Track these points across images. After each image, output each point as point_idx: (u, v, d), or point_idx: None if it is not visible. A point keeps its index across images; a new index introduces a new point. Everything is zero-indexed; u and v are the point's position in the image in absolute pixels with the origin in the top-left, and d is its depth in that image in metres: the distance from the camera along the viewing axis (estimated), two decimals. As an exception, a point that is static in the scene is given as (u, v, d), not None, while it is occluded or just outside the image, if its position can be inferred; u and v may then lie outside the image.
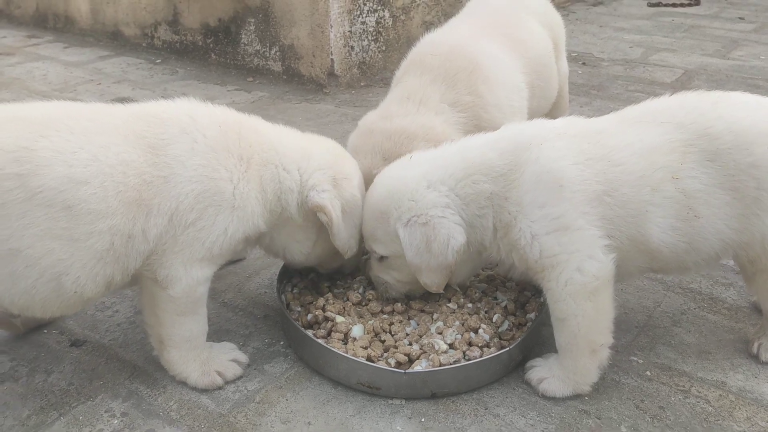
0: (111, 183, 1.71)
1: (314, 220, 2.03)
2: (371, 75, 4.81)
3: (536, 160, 1.86)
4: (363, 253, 2.27)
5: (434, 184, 1.95)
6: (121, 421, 1.85)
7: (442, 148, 2.08)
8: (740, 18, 6.62)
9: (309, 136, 2.18)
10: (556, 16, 3.30)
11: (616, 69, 5.02)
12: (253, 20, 4.81)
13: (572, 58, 5.00)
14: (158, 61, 5.41)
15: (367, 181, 2.17)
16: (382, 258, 2.09)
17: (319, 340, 1.98)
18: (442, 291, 2.04)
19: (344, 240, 2.05)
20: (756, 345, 2.04)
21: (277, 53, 4.77)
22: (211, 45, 5.11)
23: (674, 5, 7.22)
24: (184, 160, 1.80)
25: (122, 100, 4.36)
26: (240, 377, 2.00)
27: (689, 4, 7.22)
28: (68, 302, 1.77)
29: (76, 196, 1.67)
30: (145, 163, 1.77)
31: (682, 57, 5.30)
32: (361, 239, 2.13)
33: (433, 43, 2.73)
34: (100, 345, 2.16)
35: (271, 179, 1.95)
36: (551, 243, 1.82)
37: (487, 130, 2.11)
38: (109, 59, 5.53)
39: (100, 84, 4.89)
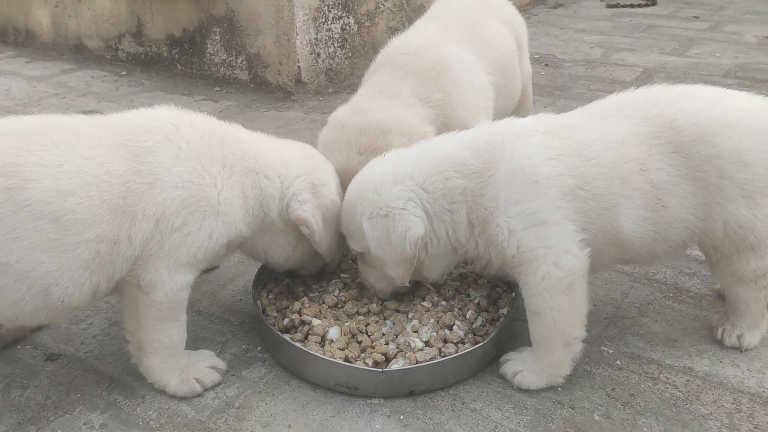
0: (96, 192, 1.73)
1: (295, 225, 2.06)
2: (338, 81, 4.84)
3: (510, 157, 1.91)
4: (344, 251, 2.30)
5: (400, 179, 1.99)
6: (100, 432, 1.85)
7: (414, 146, 2.12)
8: (695, 17, 6.80)
9: (285, 142, 2.22)
10: (518, 17, 3.37)
11: (578, 69, 5.13)
12: (218, 30, 4.82)
13: (535, 60, 5.09)
14: (123, 73, 5.37)
15: (344, 177, 2.19)
16: (359, 256, 2.12)
17: (297, 344, 2.00)
18: (407, 284, 2.06)
19: (326, 246, 2.13)
20: (720, 331, 2.12)
21: (244, 62, 4.78)
22: (177, 56, 5.10)
23: (632, 6, 7.39)
24: (169, 167, 1.83)
25: (88, 113, 4.31)
26: (219, 384, 2.01)
27: (646, 5, 7.40)
28: (55, 312, 1.80)
29: (63, 208, 1.69)
30: (128, 171, 1.79)
31: (641, 56, 5.43)
32: (343, 239, 2.17)
33: (400, 45, 2.77)
34: (76, 358, 2.16)
35: (252, 186, 1.99)
36: (529, 238, 1.86)
37: (456, 128, 2.15)
38: (73, 72, 5.48)
39: (64, 98, 4.84)
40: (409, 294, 2.22)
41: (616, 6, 7.40)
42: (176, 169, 1.85)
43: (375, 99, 2.53)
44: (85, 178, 1.73)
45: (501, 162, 1.92)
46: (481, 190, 1.93)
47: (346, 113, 2.52)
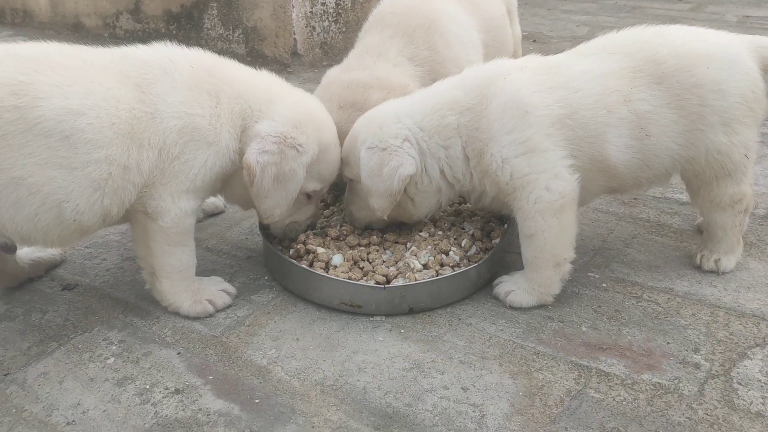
0: (105, 115, 1.83)
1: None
2: (332, 56, 4.96)
3: (502, 90, 2.04)
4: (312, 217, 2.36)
5: (401, 117, 2.12)
6: (119, 346, 1.97)
7: (419, 91, 2.26)
8: (679, -1, 6.99)
9: (291, 88, 2.21)
10: None
11: (565, 45, 5.28)
12: (215, 4, 4.93)
13: (523, 37, 5.22)
14: (120, 50, 5.46)
15: None
16: (348, 183, 2.26)
17: (302, 265, 2.12)
18: (385, 218, 2.17)
19: (267, 206, 2.06)
20: (699, 257, 2.26)
21: (241, 36, 4.90)
22: (174, 31, 5.21)
23: (618, -10, 7.55)
24: (166, 98, 1.93)
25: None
26: (229, 306, 2.13)
27: (632, -11, 7.56)
28: (68, 231, 1.89)
29: (73, 126, 1.79)
30: (133, 99, 1.89)
31: (626, 33, 5.58)
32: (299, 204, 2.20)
33: (392, 3, 2.90)
34: (92, 287, 2.27)
35: (240, 114, 2.02)
36: (521, 164, 2.00)
37: None
38: (71, 50, 5.56)
39: (64, 72, 4.92)
40: (407, 227, 2.35)
41: (602, -10, 7.56)
42: (171, 100, 1.93)
43: (362, 59, 2.67)
44: (95, 100, 1.83)
45: (494, 96, 2.05)
46: (475, 123, 2.06)
47: (335, 72, 2.67)
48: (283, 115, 2.04)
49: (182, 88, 1.97)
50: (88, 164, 1.82)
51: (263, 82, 2.14)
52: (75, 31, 5.97)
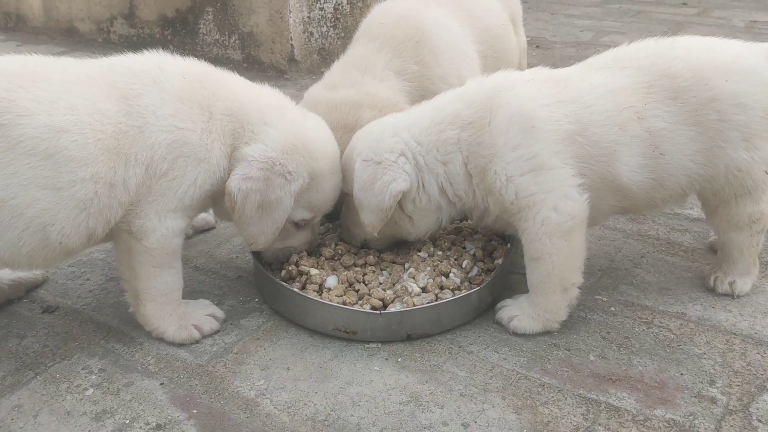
0: (90, 131, 1.73)
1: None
2: (331, 62, 4.80)
3: (507, 103, 1.92)
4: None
5: (399, 131, 2.02)
6: (99, 376, 1.86)
7: (420, 104, 2.14)
8: (683, 3, 6.88)
9: (290, 107, 2.07)
10: None
11: (569, 50, 5.17)
12: (211, 9, 4.82)
13: (526, 42, 5.13)
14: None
15: None
16: (345, 198, 2.15)
17: (294, 289, 2.01)
18: (376, 234, 2.05)
19: (250, 233, 1.96)
20: (712, 278, 2.15)
21: (237, 41, 4.79)
22: (169, 37, 5.10)
23: (621, -6, 7.44)
24: (155, 110, 1.82)
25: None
26: (217, 331, 2.02)
27: (635, -7, 7.46)
28: (53, 254, 1.80)
29: (57, 144, 1.69)
30: (119, 112, 1.79)
31: (631, 38, 5.42)
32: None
33: (381, 12, 2.77)
34: (73, 310, 2.16)
35: (231, 133, 1.92)
36: (527, 183, 1.88)
37: None
38: (65, 56, 5.45)
39: (56, 78, 4.82)
40: (405, 246, 2.24)
41: (606, -6, 7.46)
42: (161, 112, 1.82)
43: (346, 74, 2.50)
44: (79, 116, 1.73)
45: (498, 109, 1.94)
46: (478, 139, 1.95)
47: (318, 89, 2.49)
48: (274, 139, 1.92)
49: (173, 100, 1.86)
50: (73, 184, 1.72)
51: (259, 99, 2.01)
52: (69, 36, 5.86)
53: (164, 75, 1.88)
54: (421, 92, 2.55)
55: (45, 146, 1.68)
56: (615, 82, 1.94)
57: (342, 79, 2.48)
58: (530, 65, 4.62)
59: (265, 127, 1.93)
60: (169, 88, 1.86)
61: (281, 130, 1.94)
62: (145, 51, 1.99)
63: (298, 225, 2.09)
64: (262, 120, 1.94)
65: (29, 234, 1.73)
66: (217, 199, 1.99)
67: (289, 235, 2.10)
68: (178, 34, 5.04)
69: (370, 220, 2.01)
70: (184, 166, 1.85)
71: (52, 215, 1.72)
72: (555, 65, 4.67)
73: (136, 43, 5.35)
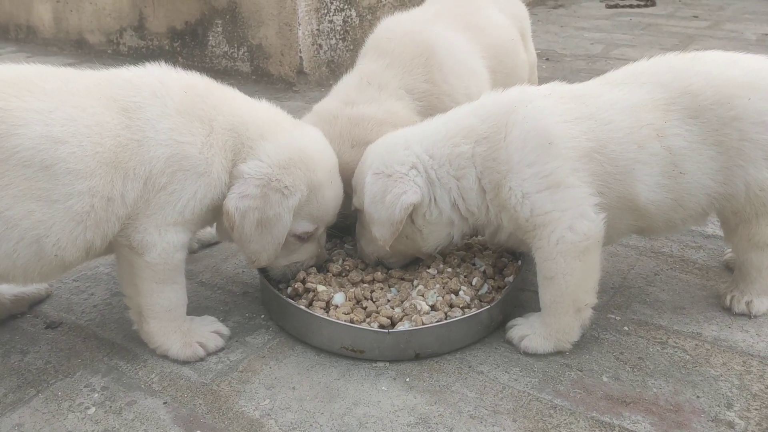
0: (88, 143, 1.70)
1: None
2: (340, 74, 4.80)
3: (523, 119, 1.89)
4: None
5: (411, 144, 1.99)
6: (102, 394, 1.82)
7: (434, 118, 2.11)
8: (695, 16, 6.83)
9: (288, 123, 2.06)
10: (520, 6, 3.37)
11: (579, 63, 5.13)
12: (220, 21, 4.82)
13: (536, 55, 5.10)
14: (124, 67, 5.37)
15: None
16: (358, 214, 2.12)
17: (301, 307, 1.98)
18: (388, 248, 2.02)
19: (252, 251, 1.94)
20: (728, 298, 2.10)
21: (246, 54, 4.78)
22: (179, 48, 5.10)
23: (631, 6, 7.42)
24: (155, 124, 1.80)
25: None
26: (222, 349, 1.98)
27: (645, 5, 7.44)
28: (49, 267, 1.76)
29: (54, 156, 1.66)
30: (119, 125, 1.76)
31: (641, 51, 5.43)
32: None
33: (388, 28, 2.74)
34: (77, 326, 2.13)
35: (232, 148, 1.90)
36: (543, 201, 1.84)
37: None
38: (74, 67, 5.46)
39: (65, 89, 4.83)
40: (414, 263, 2.20)
41: (616, 6, 7.44)
42: (161, 126, 1.80)
43: (363, 91, 2.47)
44: (77, 127, 1.70)
45: (514, 125, 1.90)
46: (493, 154, 1.91)
47: (335, 104, 2.45)
48: (271, 155, 1.91)
49: (173, 113, 1.83)
50: (69, 196, 1.69)
51: (259, 115, 1.99)
52: (78, 47, 5.88)
53: (165, 88, 1.86)
54: (430, 110, 2.52)
55: (41, 157, 1.66)
56: (634, 98, 1.90)
57: (359, 96, 2.45)
58: (540, 78, 4.59)
59: (263, 143, 1.91)
60: (169, 102, 1.84)
61: (277, 145, 1.93)
62: (146, 64, 1.96)
63: (301, 238, 2.05)
64: (260, 135, 1.92)
65: (24, 246, 1.70)
66: (218, 215, 1.97)
67: (293, 250, 2.06)
68: (187, 46, 5.04)
69: (381, 233, 1.98)
70: (184, 179, 1.82)
71: (46, 227, 1.69)
72: (565, 78, 4.64)
73: (145, 55, 5.36)
